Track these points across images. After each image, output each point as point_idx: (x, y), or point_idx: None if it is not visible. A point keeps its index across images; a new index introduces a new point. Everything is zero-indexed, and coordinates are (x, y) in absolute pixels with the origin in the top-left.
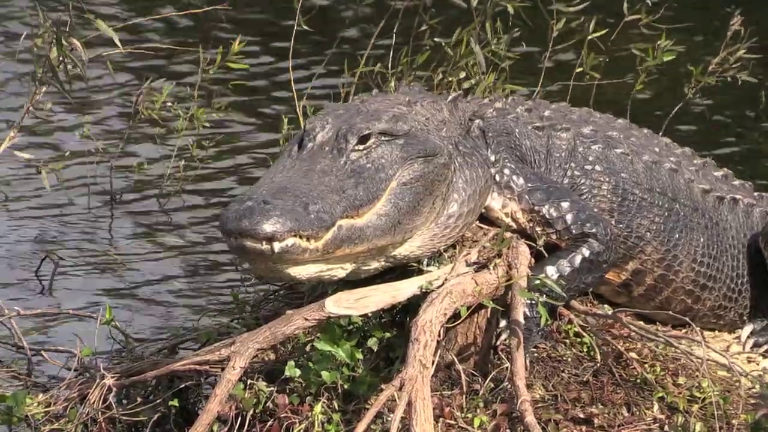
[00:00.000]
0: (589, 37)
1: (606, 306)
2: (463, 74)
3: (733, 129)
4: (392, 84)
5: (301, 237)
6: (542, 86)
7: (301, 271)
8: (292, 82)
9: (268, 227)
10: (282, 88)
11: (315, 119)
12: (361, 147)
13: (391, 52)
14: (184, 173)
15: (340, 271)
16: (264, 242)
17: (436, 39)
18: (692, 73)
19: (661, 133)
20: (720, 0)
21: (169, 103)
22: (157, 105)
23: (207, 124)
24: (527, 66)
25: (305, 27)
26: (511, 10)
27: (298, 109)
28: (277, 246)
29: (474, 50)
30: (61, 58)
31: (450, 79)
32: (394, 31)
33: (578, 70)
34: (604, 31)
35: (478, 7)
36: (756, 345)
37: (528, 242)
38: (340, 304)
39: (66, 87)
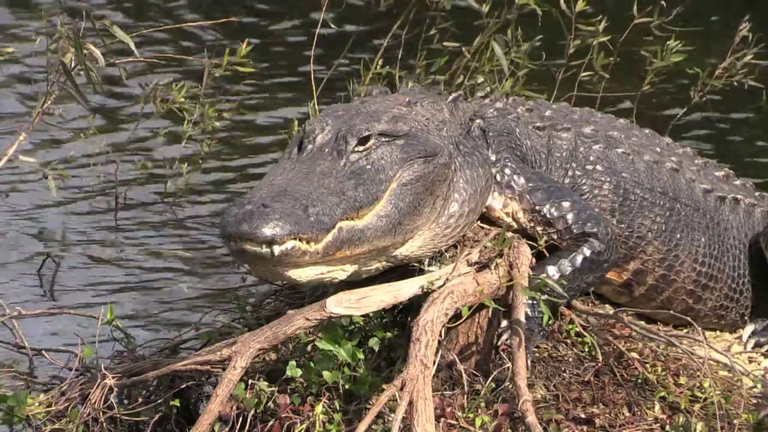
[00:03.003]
0: (598, 41)
1: (607, 306)
2: (481, 79)
3: (738, 131)
4: (409, 85)
5: (300, 240)
6: (556, 98)
7: (302, 274)
8: (312, 81)
9: (268, 231)
10: (291, 87)
11: (314, 121)
12: (360, 148)
13: (400, 53)
14: (188, 173)
15: (341, 273)
16: (264, 246)
17: (445, 43)
18: (699, 75)
19: (665, 135)
20: (734, 4)
21: (182, 98)
22: (175, 95)
23: (217, 124)
24: (544, 75)
25: (332, 25)
26: (539, 11)
27: (314, 106)
28: (276, 249)
29: (498, 55)
30: (75, 65)
31: (469, 83)
32: (403, 35)
33: (585, 73)
34: (608, 37)
35: (490, 14)
36: (757, 345)
37: (529, 242)
38: (341, 304)
39: (81, 93)
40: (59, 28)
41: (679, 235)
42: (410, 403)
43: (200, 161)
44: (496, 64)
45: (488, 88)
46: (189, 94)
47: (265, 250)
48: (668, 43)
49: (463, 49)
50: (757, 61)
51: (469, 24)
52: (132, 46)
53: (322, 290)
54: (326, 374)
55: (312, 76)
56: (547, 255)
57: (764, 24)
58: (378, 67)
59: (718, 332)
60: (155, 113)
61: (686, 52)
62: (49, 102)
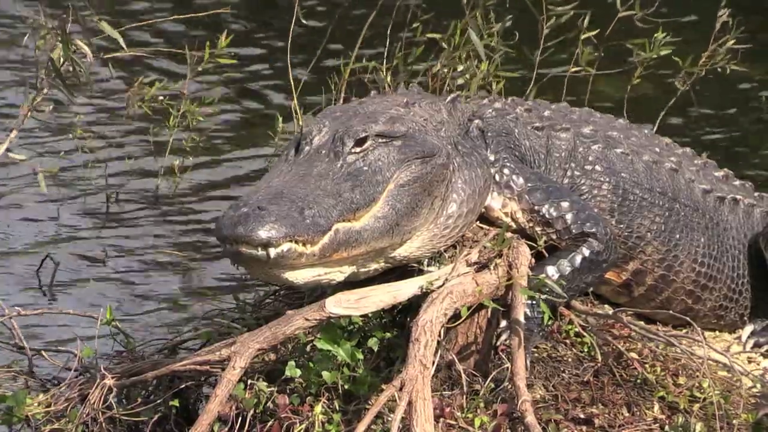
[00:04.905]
0: (583, 36)
1: (606, 306)
2: (461, 67)
3: (731, 128)
4: (387, 78)
5: (297, 242)
6: (535, 80)
7: (299, 276)
8: (292, 80)
9: (264, 233)
10: (276, 86)
11: (312, 122)
12: (358, 150)
13: (386, 47)
14: (180, 171)
15: (338, 274)
16: (259, 248)
17: (428, 35)
18: (681, 64)
19: (655, 129)
20: None
21: (161, 97)
22: (146, 98)
23: (201, 118)
24: (522, 59)
25: (304, 21)
26: None
27: (294, 104)
28: (272, 252)
29: (472, 39)
30: (62, 60)
31: (446, 70)
32: (389, 29)
33: (572, 69)
34: (595, 31)
35: (470, 1)
36: (756, 345)
37: (528, 242)
38: (340, 305)
39: (70, 89)
40: (44, 24)
41: (678, 236)
42: (409, 404)
43: (190, 158)
44: (472, 47)
45: (468, 75)
46: (173, 92)
47: (260, 252)
48: (655, 35)
49: (439, 38)
50: (738, 46)
51: (450, 13)
52: (120, 40)
53: (321, 291)
54: (325, 374)
55: (290, 75)
56: (547, 255)
57: (740, 9)
58: (354, 62)
59: (717, 332)
60: (138, 109)
61: (673, 43)
62: (38, 99)
